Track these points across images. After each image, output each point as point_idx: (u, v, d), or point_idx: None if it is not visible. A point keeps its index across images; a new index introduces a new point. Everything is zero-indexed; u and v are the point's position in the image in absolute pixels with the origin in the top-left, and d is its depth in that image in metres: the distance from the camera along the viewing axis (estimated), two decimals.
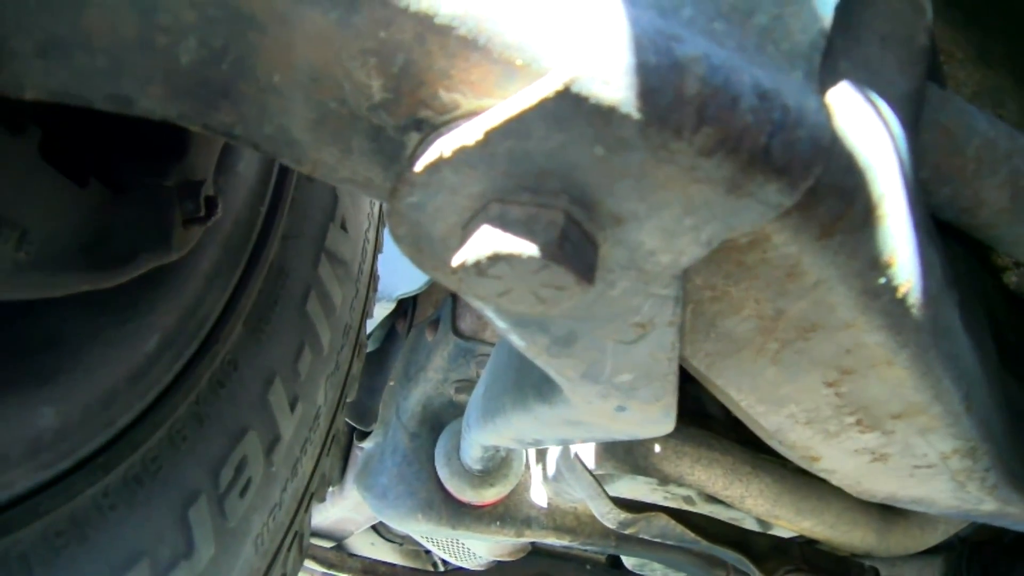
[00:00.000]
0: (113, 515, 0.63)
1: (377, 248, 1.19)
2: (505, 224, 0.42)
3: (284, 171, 0.94)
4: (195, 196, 0.72)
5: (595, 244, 0.45)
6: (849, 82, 0.45)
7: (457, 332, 1.55)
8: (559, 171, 0.41)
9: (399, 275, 1.64)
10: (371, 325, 1.81)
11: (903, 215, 0.49)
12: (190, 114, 0.48)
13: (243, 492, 0.77)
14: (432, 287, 1.73)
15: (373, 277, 1.16)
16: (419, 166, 0.43)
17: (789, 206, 0.39)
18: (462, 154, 0.41)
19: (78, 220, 0.66)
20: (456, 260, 0.45)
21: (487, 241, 0.43)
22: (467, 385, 1.56)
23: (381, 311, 1.73)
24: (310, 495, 0.94)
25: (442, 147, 0.41)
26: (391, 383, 1.68)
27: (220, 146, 0.80)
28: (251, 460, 0.79)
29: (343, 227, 1.02)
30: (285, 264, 0.91)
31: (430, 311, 1.73)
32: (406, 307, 1.81)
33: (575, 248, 0.43)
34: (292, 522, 0.88)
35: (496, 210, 0.43)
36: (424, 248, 0.49)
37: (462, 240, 0.46)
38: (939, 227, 0.68)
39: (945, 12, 0.93)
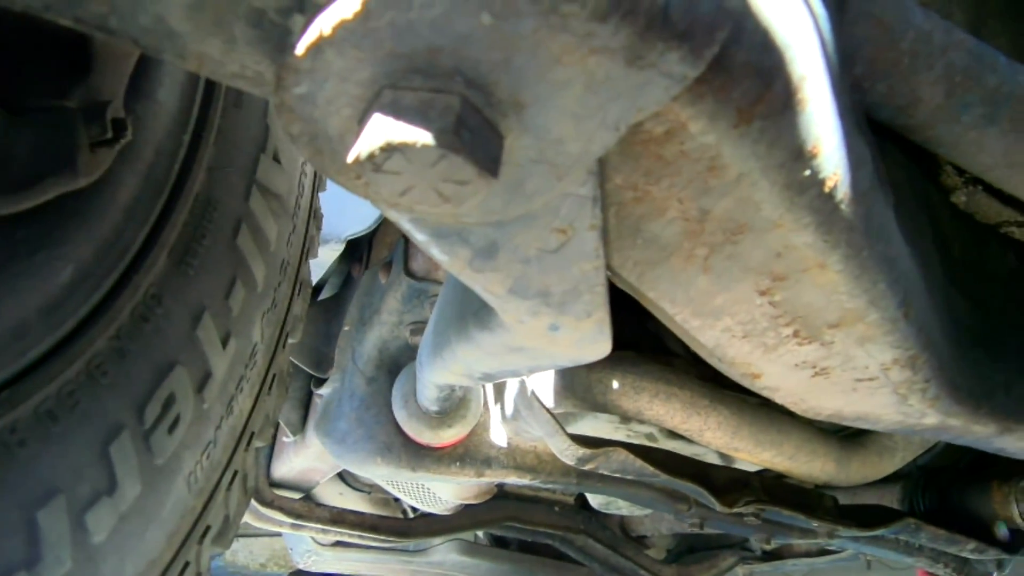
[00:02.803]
0: (23, 451, 0.60)
1: (317, 184, 1.15)
2: (398, 112, 0.39)
3: (208, 99, 0.89)
4: (100, 117, 0.68)
5: (499, 134, 0.42)
6: None
7: (410, 273, 1.52)
8: (449, 47, 0.37)
9: (348, 216, 1.60)
10: (323, 269, 1.77)
11: (827, 100, 0.47)
12: (57, 5, 0.44)
13: (171, 429, 0.74)
14: (385, 228, 1.70)
15: (314, 212, 1.12)
16: (300, 48, 0.39)
17: (694, 77, 0.36)
18: (343, 31, 0.38)
19: None
20: (351, 156, 0.42)
21: (379, 131, 0.40)
22: (421, 327, 1.53)
23: (331, 253, 1.69)
24: (251, 434, 0.91)
25: (322, 24, 0.38)
26: (346, 328, 1.65)
27: (130, 67, 0.75)
28: (179, 396, 0.76)
29: (276, 159, 0.98)
30: (212, 196, 0.87)
31: (385, 254, 1.70)
32: (361, 251, 1.78)
33: (475, 137, 0.40)
34: (230, 461, 0.85)
35: (389, 97, 0.40)
36: (323, 149, 0.46)
37: (359, 136, 0.43)
38: (879, 133, 0.66)
39: None
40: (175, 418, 0.75)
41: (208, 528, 0.83)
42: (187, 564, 0.79)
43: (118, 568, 0.67)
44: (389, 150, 0.40)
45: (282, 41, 0.42)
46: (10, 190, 0.64)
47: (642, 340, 1.63)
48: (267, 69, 0.44)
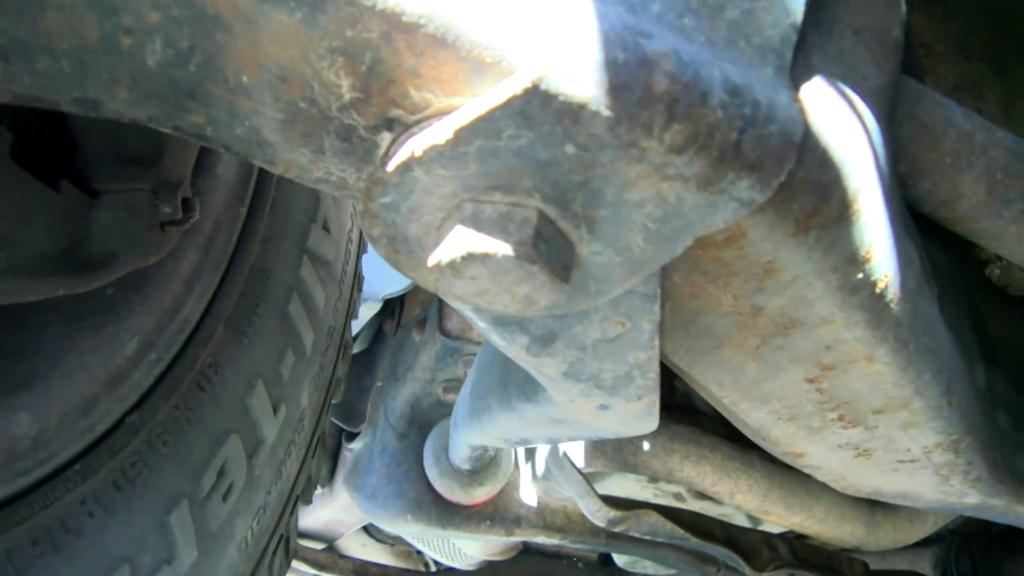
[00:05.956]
0: (91, 522, 0.63)
1: (361, 248, 1.18)
2: (479, 224, 0.42)
3: (264, 172, 0.93)
4: (172, 199, 0.72)
5: (571, 243, 0.45)
6: (822, 77, 0.45)
7: (444, 331, 1.54)
8: (531, 170, 0.40)
9: (385, 275, 1.63)
10: (358, 326, 1.80)
11: (879, 210, 0.49)
12: (159, 116, 0.47)
13: (225, 496, 0.76)
14: (419, 287, 1.73)
15: (357, 278, 1.15)
16: (391, 166, 0.42)
17: (762, 202, 0.39)
18: (433, 153, 0.40)
19: (53, 224, 0.65)
20: (431, 261, 0.44)
21: (461, 241, 0.42)
22: (455, 384, 1.55)
23: (367, 311, 1.72)
24: (296, 497, 0.93)
25: (413, 147, 0.41)
26: (379, 383, 1.67)
27: (198, 148, 0.79)
28: (233, 464, 0.78)
29: (325, 228, 1.01)
30: (266, 266, 0.90)
31: (417, 311, 1.72)
32: (393, 307, 1.80)
33: (550, 247, 0.43)
34: (277, 525, 0.87)
35: (470, 209, 0.43)
36: (400, 249, 0.48)
37: (437, 241, 0.45)
38: (918, 221, 0.68)
39: (924, 6, 0.93)
40: (229, 485, 0.77)
41: None
42: None
43: None
44: (469, 259, 0.42)
45: (368, 154, 0.45)
46: (87, 269, 0.67)
47: (671, 400, 1.63)
48: (351, 175, 0.47)
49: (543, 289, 0.44)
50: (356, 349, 1.92)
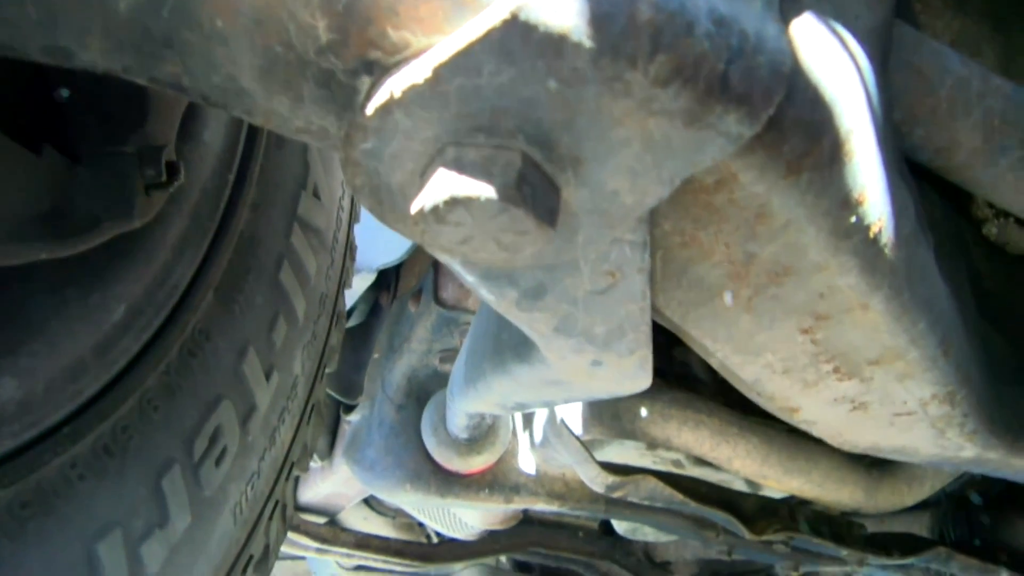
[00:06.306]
0: (82, 485, 0.62)
1: (353, 217, 1.17)
2: (461, 167, 0.41)
3: (251, 139, 0.92)
4: (156, 162, 0.70)
5: (556, 187, 0.44)
6: (812, 13, 0.44)
7: (439, 302, 1.54)
8: (513, 109, 0.39)
9: (379, 246, 1.63)
10: (353, 298, 1.79)
11: (872, 151, 0.48)
12: (134, 67, 0.46)
13: (219, 461, 0.76)
14: (414, 257, 1.72)
15: (350, 246, 1.14)
16: (370, 109, 0.41)
17: (750, 136, 0.38)
18: (412, 94, 0.39)
19: (34, 188, 0.64)
20: (414, 208, 0.43)
21: (443, 185, 0.41)
22: (451, 355, 1.55)
23: (362, 283, 1.71)
24: (291, 465, 0.93)
25: (392, 87, 0.40)
26: (376, 356, 1.67)
27: (181, 112, 0.78)
28: (226, 429, 0.78)
29: (316, 195, 1.00)
30: (256, 233, 0.89)
31: (413, 283, 1.72)
32: (389, 280, 1.80)
33: (534, 191, 0.42)
34: (272, 492, 0.87)
35: (452, 153, 0.42)
36: (384, 199, 0.47)
37: (421, 188, 0.44)
38: (915, 173, 0.67)
39: None
40: (222, 451, 0.77)
41: (251, 558, 0.85)
42: None
43: None
44: (452, 203, 0.41)
45: (349, 100, 0.44)
46: (70, 234, 0.66)
47: (668, 367, 1.63)
48: (332, 124, 0.46)
49: (529, 234, 0.43)
50: (353, 323, 1.92)
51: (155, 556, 0.66)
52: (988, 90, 0.60)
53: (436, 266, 1.60)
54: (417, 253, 1.68)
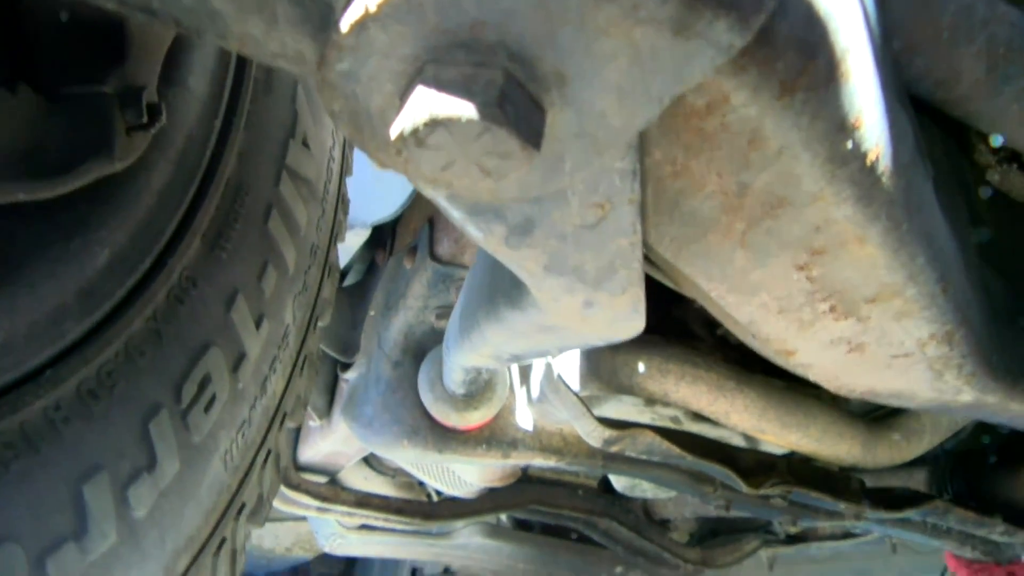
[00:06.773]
0: (67, 428, 0.62)
1: (345, 169, 1.15)
2: (441, 85, 0.40)
3: (238, 87, 0.90)
4: (136, 102, 0.69)
5: (541, 108, 0.42)
6: None
7: (435, 258, 1.52)
8: (493, 21, 0.37)
9: (373, 201, 1.61)
10: (349, 254, 1.78)
11: (869, 73, 0.46)
12: None
13: (208, 408, 0.75)
14: (410, 214, 1.70)
15: (342, 198, 1.13)
16: (344, 25, 0.39)
17: (741, 47, 0.36)
18: (388, 7, 0.38)
19: (10, 128, 0.63)
20: (394, 132, 0.42)
21: (422, 105, 0.40)
22: (447, 311, 1.54)
23: (357, 239, 1.70)
24: (283, 415, 0.92)
25: (367, 1, 0.38)
26: (372, 313, 1.66)
27: (163, 54, 0.76)
28: (215, 376, 0.77)
29: (305, 144, 0.98)
30: (243, 181, 0.88)
31: (409, 240, 1.70)
32: (385, 238, 1.78)
33: (517, 110, 0.40)
34: (264, 440, 0.87)
35: (432, 72, 0.40)
36: (363, 125, 0.46)
37: (400, 111, 0.43)
38: (916, 109, 0.65)
39: None
40: (211, 397, 0.76)
41: (243, 506, 0.85)
42: (224, 540, 0.80)
43: (158, 543, 0.68)
44: (432, 124, 0.40)
45: (324, 19, 0.42)
46: (48, 175, 0.65)
47: (667, 325, 1.62)
48: (308, 48, 0.45)
49: (513, 157, 0.41)
50: (349, 281, 1.91)
51: (143, 499, 0.66)
52: (994, 16, 0.58)
53: (432, 222, 1.58)
54: (412, 209, 1.66)
